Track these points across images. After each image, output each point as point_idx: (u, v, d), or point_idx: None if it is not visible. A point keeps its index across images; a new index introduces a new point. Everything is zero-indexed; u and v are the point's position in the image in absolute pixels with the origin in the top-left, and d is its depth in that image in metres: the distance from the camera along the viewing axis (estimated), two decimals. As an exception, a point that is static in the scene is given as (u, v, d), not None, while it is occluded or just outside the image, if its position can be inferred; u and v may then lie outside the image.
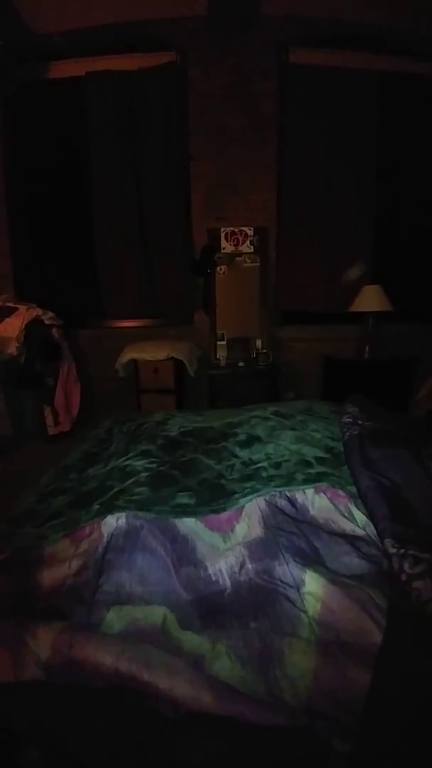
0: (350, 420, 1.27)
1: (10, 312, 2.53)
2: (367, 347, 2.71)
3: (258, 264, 2.86)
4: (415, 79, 2.72)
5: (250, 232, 2.82)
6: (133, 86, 2.70)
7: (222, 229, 2.82)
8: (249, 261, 2.86)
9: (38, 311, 2.59)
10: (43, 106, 2.82)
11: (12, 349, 2.43)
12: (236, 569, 0.71)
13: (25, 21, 2.57)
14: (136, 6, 2.56)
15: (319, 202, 2.80)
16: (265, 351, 2.82)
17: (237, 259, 2.86)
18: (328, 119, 2.71)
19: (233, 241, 2.82)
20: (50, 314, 2.64)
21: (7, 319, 2.49)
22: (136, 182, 2.79)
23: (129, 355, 2.67)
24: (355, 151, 2.75)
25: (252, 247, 2.83)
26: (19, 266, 2.97)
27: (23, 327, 2.48)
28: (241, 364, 2.76)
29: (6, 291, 2.80)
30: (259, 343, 2.86)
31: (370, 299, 2.59)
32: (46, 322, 2.62)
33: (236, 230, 2.82)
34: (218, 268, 2.85)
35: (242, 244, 2.83)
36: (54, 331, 2.67)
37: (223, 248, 2.83)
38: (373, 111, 2.72)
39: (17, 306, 2.57)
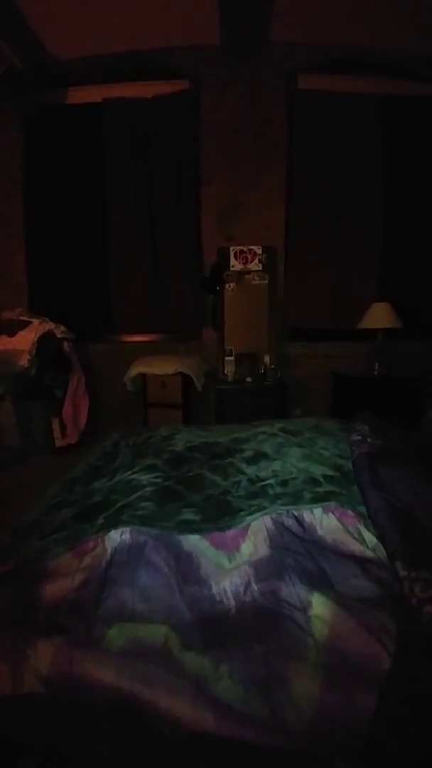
0: (359, 438, 1.25)
1: (23, 325, 2.58)
2: (376, 364, 2.69)
3: (266, 282, 2.90)
4: (419, 102, 2.79)
5: (259, 251, 2.86)
6: (147, 113, 2.81)
7: (231, 248, 2.88)
8: (258, 279, 2.90)
9: (51, 325, 2.64)
10: (61, 130, 2.95)
11: (24, 361, 2.48)
12: (241, 589, 0.69)
13: (45, 47, 2.71)
14: (151, 35, 2.69)
15: (327, 222, 2.85)
16: (273, 367, 2.82)
17: (246, 276, 2.89)
18: (335, 142, 2.79)
19: (242, 259, 2.86)
20: (62, 328, 2.69)
21: (20, 332, 2.55)
22: (149, 203, 2.88)
23: (137, 369, 2.70)
24: (362, 172, 2.81)
25: (261, 265, 2.87)
26: (34, 281, 3.05)
27: (36, 340, 2.53)
28: (248, 379, 2.76)
29: (20, 305, 2.86)
30: (267, 359, 2.86)
31: (379, 316, 2.59)
32: (58, 335, 2.66)
33: (245, 249, 2.87)
34: (227, 286, 2.88)
35: (251, 262, 2.87)
36: (65, 344, 2.72)
37: (233, 266, 2.88)
38: (378, 133, 2.79)
39: (31, 320, 2.62)
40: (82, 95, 2.90)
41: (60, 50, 2.77)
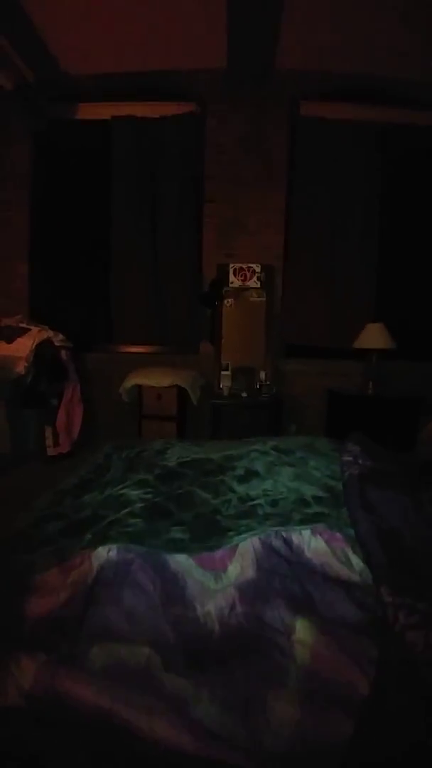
0: (350, 459, 1.26)
1: (22, 332, 2.60)
2: (370, 383, 2.72)
3: (264, 299, 2.94)
4: (416, 130, 2.89)
5: (258, 269, 2.91)
6: (154, 132, 2.89)
7: (231, 265, 2.93)
8: (256, 296, 2.94)
9: (49, 333, 2.65)
10: (70, 144, 3.02)
11: (20, 368, 2.48)
12: (226, 612, 0.69)
13: (57, 62, 2.79)
14: (160, 56, 2.78)
15: (325, 243, 2.92)
16: (268, 383, 2.84)
17: (244, 293, 2.94)
18: (334, 167, 2.88)
19: (241, 276, 2.91)
20: (60, 336, 2.71)
21: (18, 339, 2.56)
22: (153, 218, 2.94)
23: (133, 380, 2.70)
24: (359, 196, 2.89)
25: (259, 282, 2.92)
26: (35, 289, 3.09)
27: (33, 347, 2.53)
28: (244, 394, 2.77)
29: (20, 312, 2.88)
30: (263, 374, 2.89)
31: (373, 337, 2.63)
32: (56, 343, 2.68)
33: (244, 266, 2.92)
34: (226, 301, 2.92)
35: (250, 279, 2.92)
36: (63, 352, 2.72)
37: (232, 283, 2.92)
38: (376, 159, 2.88)
39: (29, 327, 2.64)
40: (91, 111, 2.97)
41: (72, 66, 2.86)
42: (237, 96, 2.91)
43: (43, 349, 2.59)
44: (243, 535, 0.88)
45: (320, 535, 0.89)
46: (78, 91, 2.95)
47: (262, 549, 0.83)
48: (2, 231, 3.04)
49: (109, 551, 0.81)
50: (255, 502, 1.06)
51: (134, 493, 1.07)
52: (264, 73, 2.86)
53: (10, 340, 2.55)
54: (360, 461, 1.25)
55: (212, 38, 2.57)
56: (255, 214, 2.97)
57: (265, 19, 2.38)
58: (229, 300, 2.93)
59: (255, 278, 2.91)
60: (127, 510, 0.98)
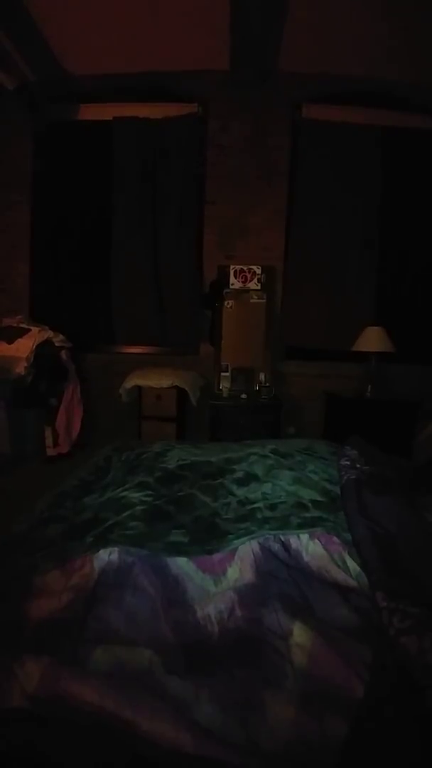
0: (348, 463, 1.28)
1: (22, 333, 2.60)
2: (369, 386, 2.74)
3: (264, 301, 2.95)
4: (416, 133, 2.90)
5: (258, 271, 2.92)
6: (156, 133, 2.89)
7: (231, 267, 2.93)
8: (256, 297, 2.95)
9: (49, 333, 2.66)
10: (71, 145, 3.02)
11: (21, 368, 2.49)
12: (225, 615, 0.71)
13: (59, 62, 2.79)
14: (163, 57, 2.78)
15: (325, 245, 2.93)
16: (267, 385, 2.85)
17: (244, 295, 2.95)
18: (335, 170, 2.88)
19: (242, 278, 2.92)
20: (61, 337, 2.72)
21: (19, 340, 2.56)
22: (154, 219, 2.95)
23: (133, 381, 2.71)
24: (360, 199, 2.90)
25: (259, 284, 2.93)
26: (36, 290, 3.09)
27: (33, 348, 2.54)
28: (243, 396, 2.79)
29: (22, 313, 2.89)
30: (262, 376, 2.90)
31: (373, 340, 2.65)
32: (57, 344, 2.68)
33: (245, 268, 2.93)
34: (226, 303, 2.93)
35: (250, 281, 2.92)
36: (63, 353, 2.73)
37: (232, 284, 2.93)
38: (377, 162, 2.89)
39: (30, 327, 2.64)
40: (93, 112, 2.97)
41: (74, 66, 2.86)
42: (239, 98, 2.92)
43: (43, 349, 2.60)
44: (242, 539, 0.89)
45: (318, 539, 0.91)
46: (79, 92, 2.95)
47: (260, 553, 0.85)
48: (3, 231, 3.04)
49: (110, 554, 0.82)
50: (254, 505, 1.07)
51: (134, 495, 1.08)
52: (266, 75, 2.87)
53: (10, 341, 2.56)
54: (358, 465, 1.27)
55: (215, 40, 2.57)
56: (256, 215, 2.98)
57: (268, 21, 2.38)
58: (230, 301, 2.94)
59: (255, 280, 2.92)
60: (127, 513, 0.99)
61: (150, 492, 1.11)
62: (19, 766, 0.47)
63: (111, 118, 2.92)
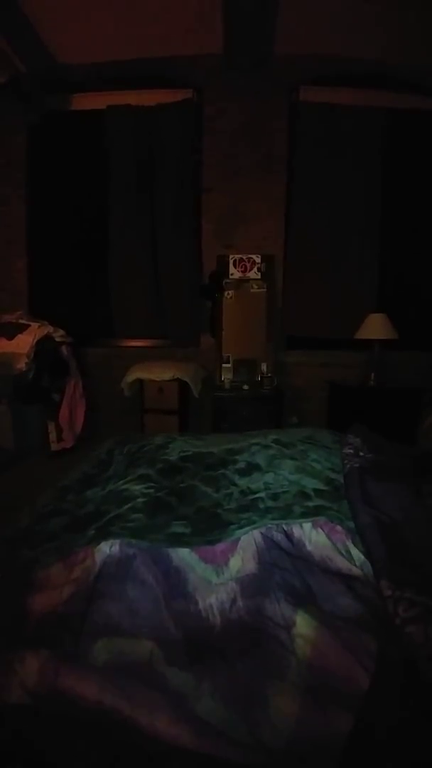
0: (351, 451, 1.26)
1: (22, 328, 2.60)
2: (372, 374, 2.71)
3: (265, 290, 2.92)
4: (418, 115, 2.82)
5: (258, 260, 2.88)
6: (151, 121, 2.84)
7: (231, 256, 2.89)
8: (256, 287, 2.92)
9: (49, 328, 2.65)
10: (65, 135, 2.98)
11: (21, 364, 2.48)
12: (227, 606, 0.70)
13: (50, 52, 2.73)
14: (155, 44, 2.72)
15: (326, 232, 2.87)
16: (269, 375, 2.83)
17: (244, 284, 2.91)
18: (335, 154, 2.82)
19: (241, 267, 2.89)
20: (61, 332, 2.71)
21: (19, 335, 2.55)
22: (151, 210, 2.90)
23: (135, 374, 2.70)
24: (360, 183, 2.83)
25: (259, 273, 2.89)
26: (35, 285, 3.07)
27: (34, 343, 2.53)
28: (245, 387, 2.77)
29: (20, 308, 2.87)
30: (264, 366, 2.88)
31: (375, 327, 2.61)
32: (57, 339, 2.67)
33: (244, 257, 2.89)
34: (226, 293, 2.90)
35: (250, 270, 2.89)
36: (64, 348, 2.72)
37: (232, 274, 2.89)
38: (377, 145, 2.82)
39: (29, 323, 2.63)
40: (86, 101, 2.92)
41: (65, 56, 2.80)
42: (235, 82, 2.85)
43: (43, 345, 2.59)
44: (244, 529, 0.88)
45: (321, 528, 0.90)
46: (72, 82, 2.90)
47: (263, 543, 0.84)
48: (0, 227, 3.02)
49: (111, 546, 0.81)
50: (256, 495, 1.06)
51: (136, 488, 1.08)
52: (261, 58, 2.79)
53: (10, 337, 2.55)
54: (361, 453, 1.25)
55: (208, 23, 2.51)
56: (254, 203, 2.93)
57: (262, 2, 2.32)
58: (230, 292, 2.91)
59: (255, 269, 2.88)
60: (129, 505, 0.98)
61: (151, 484, 1.10)
62: (18, 762, 0.47)
63: (105, 107, 2.87)
